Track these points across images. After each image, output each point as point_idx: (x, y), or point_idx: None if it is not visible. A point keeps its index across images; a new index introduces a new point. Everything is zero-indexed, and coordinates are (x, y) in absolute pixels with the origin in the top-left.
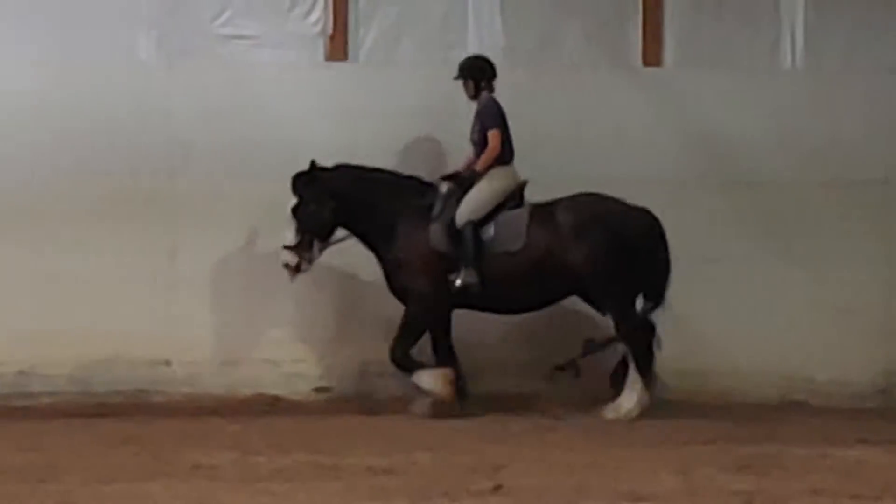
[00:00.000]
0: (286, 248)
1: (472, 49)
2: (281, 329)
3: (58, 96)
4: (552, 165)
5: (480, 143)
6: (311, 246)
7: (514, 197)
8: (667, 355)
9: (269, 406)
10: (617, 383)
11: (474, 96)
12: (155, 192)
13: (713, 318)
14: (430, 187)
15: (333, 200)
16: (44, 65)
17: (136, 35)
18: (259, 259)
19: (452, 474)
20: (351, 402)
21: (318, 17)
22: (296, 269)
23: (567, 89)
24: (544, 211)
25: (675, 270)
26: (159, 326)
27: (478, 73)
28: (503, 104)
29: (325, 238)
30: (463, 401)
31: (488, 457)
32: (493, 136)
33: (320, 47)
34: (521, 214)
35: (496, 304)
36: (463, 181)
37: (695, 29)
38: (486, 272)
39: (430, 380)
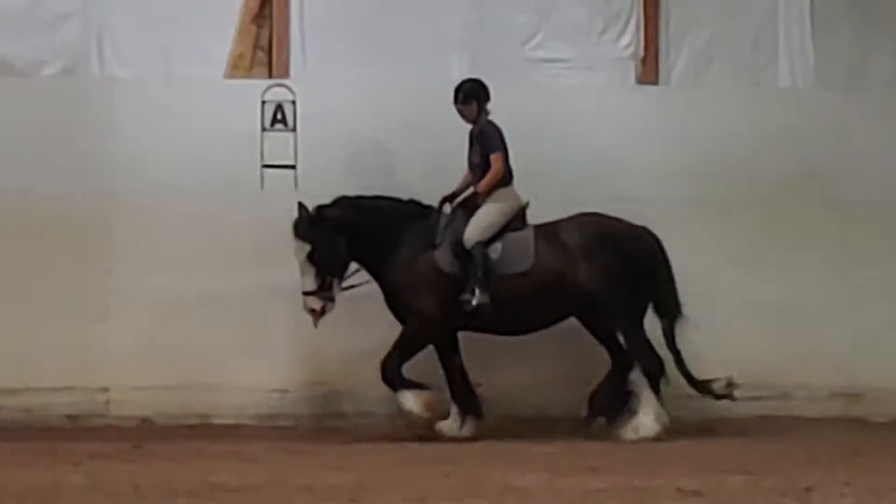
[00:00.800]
0: (307, 294)
1: (784, 72)
2: None
3: (376, 116)
4: (867, 188)
5: (482, 166)
6: (331, 286)
7: (518, 218)
8: None
9: (578, 428)
10: (598, 404)
11: (475, 119)
12: None
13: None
14: (430, 210)
15: (343, 236)
16: (360, 85)
17: (448, 57)
18: None
19: (762, 497)
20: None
21: (630, 41)
22: (322, 313)
23: (882, 113)
24: (549, 231)
25: None
26: None
27: (481, 95)
28: (813, 127)
29: (342, 275)
30: (477, 420)
31: (798, 480)
32: (496, 159)
33: (631, 70)
34: (527, 235)
35: (501, 325)
36: (466, 203)
37: None
38: (494, 293)
39: (413, 400)
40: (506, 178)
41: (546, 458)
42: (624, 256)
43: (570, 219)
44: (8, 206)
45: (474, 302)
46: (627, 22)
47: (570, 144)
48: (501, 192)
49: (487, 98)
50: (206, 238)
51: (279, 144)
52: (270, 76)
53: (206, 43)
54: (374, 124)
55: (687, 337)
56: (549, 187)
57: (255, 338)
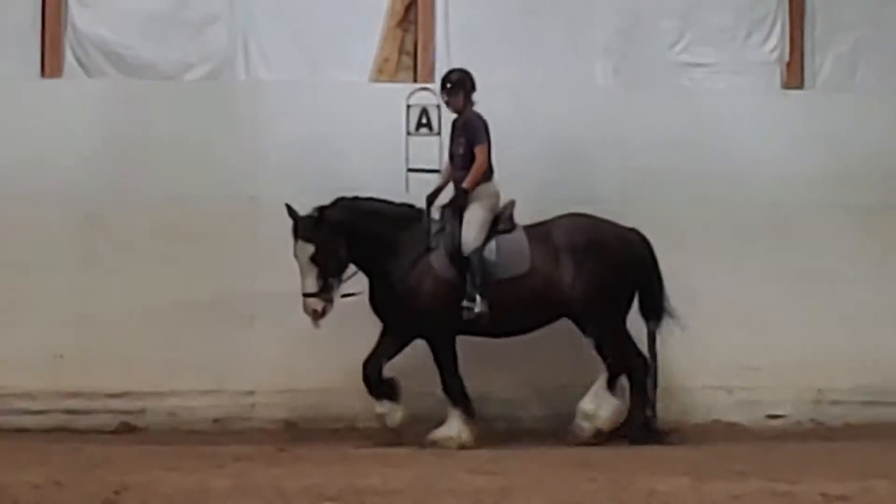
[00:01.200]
0: (309, 295)
1: None
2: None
3: (520, 120)
4: None
5: (465, 157)
6: (331, 288)
7: (507, 219)
8: None
9: (724, 432)
10: None
11: (461, 110)
12: (605, 215)
13: None
14: (420, 212)
15: (343, 237)
16: (504, 90)
17: (593, 61)
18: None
19: None
20: (805, 429)
21: (775, 45)
22: (322, 314)
23: None
24: (541, 234)
25: None
26: None
27: (468, 85)
28: None
29: (341, 276)
30: (474, 425)
31: None
32: (481, 151)
33: (777, 74)
34: (520, 238)
35: (496, 328)
36: (454, 203)
37: None
38: (492, 298)
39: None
40: (488, 173)
41: (689, 462)
42: (612, 259)
43: (559, 220)
44: (154, 210)
45: (476, 310)
46: (773, 26)
47: (714, 148)
48: (484, 187)
49: (474, 89)
50: None
51: (424, 148)
52: (415, 80)
53: (352, 47)
54: (519, 128)
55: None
56: (691, 190)
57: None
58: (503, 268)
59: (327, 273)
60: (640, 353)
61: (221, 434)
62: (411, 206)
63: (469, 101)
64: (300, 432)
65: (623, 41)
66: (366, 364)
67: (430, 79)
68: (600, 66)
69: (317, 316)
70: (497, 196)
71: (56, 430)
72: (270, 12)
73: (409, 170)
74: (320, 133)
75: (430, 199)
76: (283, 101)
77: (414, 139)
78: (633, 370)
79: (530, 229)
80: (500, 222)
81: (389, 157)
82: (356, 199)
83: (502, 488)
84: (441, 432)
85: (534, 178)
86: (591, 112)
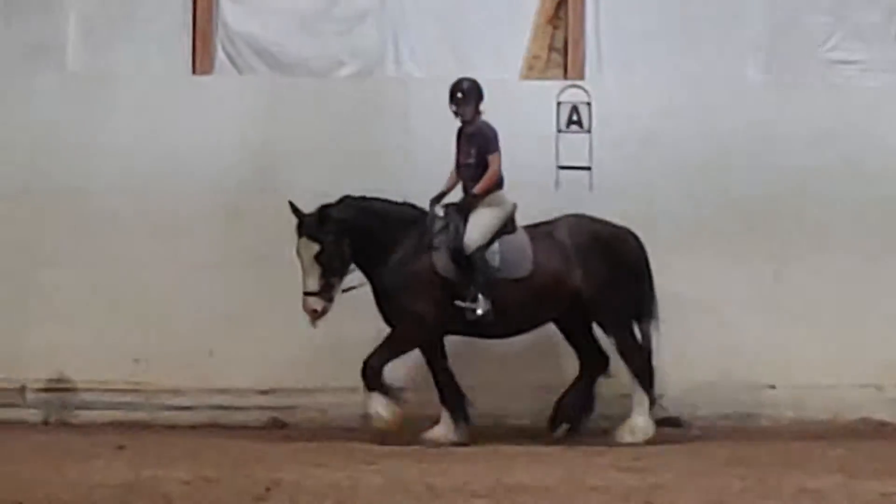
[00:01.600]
0: (310, 294)
1: None
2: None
3: (671, 117)
4: None
5: (476, 167)
6: (332, 287)
7: (510, 221)
8: None
9: (875, 431)
10: (564, 410)
11: (471, 119)
12: (756, 213)
13: None
14: (423, 213)
15: (347, 236)
16: (655, 87)
17: (744, 58)
18: None
19: None
20: None
21: None
22: (322, 314)
23: None
24: (542, 235)
25: None
26: (763, 350)
27: (478, 95)
28: None
29: (344, 275)
30: (467, 425)
31: None
32: (494, 159)
33: None
34: (522, 239)
35: (495, 329)
36: (460, 206)
37: None
38: (494, 299)
39: (381, 408)
40: (500, 182)
41: (839, 459)
42: (616, 259)
43: (558, 221)
44: (303, 206)
45: (480, 311)
46: None
47: (864, 146)
48: (497, 195)
49: (482, 98)
50: None
51: (574, 145)
52: (565, 77)
53: (501, 44)
54: (670, 125)
55: None
56: (841, 187)
57: (534, 339)
58: (506, 269)
59: (330, 272)
60: (643, 351)
61: (371, 431)
62: (414, 207)
63: (478, 111)
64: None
65: (773, 37)
66: (366, 363)
67: (581, 76)
68: (751, 62)
69: (316, 315)
70: (509, 205)
71: (205, 426)
72: (420, 9)
73: (560, 167)
74: None
75: (434, 202)
76: (432, 98)
77: (564, 136)
78: (641, 367)
79: (531, 231)
80: (505, 225)
81: (539, 155)
82: (362, 198)
83: (652, 486)
84: (435, 431)
85: (682, 174)
86: (741, 109)
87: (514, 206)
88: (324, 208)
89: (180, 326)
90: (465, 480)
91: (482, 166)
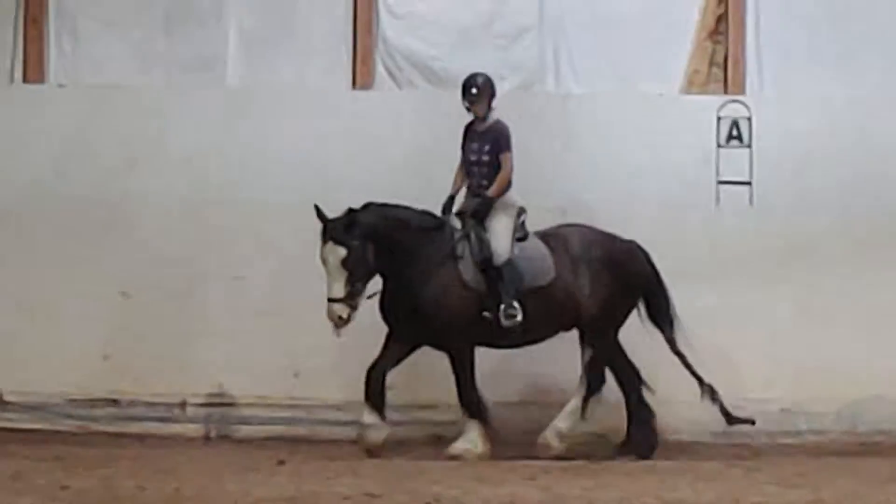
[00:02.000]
0: (335, 300)
1: None
2: None
3: (832, 133)
4: None
5: (489, 164)
6: (358, 294)
7: (520, 227)
8: None
9: None
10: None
11: (484, 115)
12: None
13: None
14: (443, 222)
15: (372, 242)
16: (816, 102)
17: None
18: None
19: None
20: None
21: None
22: (346, 321)
23: None
24: (556, 242)
25: None
26: None
27: (492, 91)
28: None
29: (368, 282)
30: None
31: None
32: (507, 159)
33: None
34: (539, 246)
35: (514, 339)
36: (476, 213)
37: None
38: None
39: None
40: (511, 181)
41: None
42: (625, 278)
43: (565, 231)
44: None
45: (518, 318)
46: None
47: None
48: (507, 197)
49: (494, 94)
50: (661, 252)
51: (734, 160)
52: (726, 92)
53: (661, 58)
54: (829, 141)
55: None
56: None
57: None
58: (530, 277)
59: (356, 278)
60: (633, 367)
61: (527, 446)
62: (433, 215)
63: (490, 107)
64: (607, 443)
65: None
66: (370, 370)
67: (741, 91)
68: None
69: (341, 323)
70: (518, 205)
71: None
72: (580, 24)
73: (720, 182)
74: (631, 144)
75: (447, 207)
76: (593, 113)
77: (724, 151)
78: (632, 384)
79: (544, 238)
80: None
81: (700, 169)
82: (385, 205)
83: (810, 502)
84: (459, 445)
85: (841, 189)
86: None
87: (523, 209)
88: (351, 212)
89: (341, 341)
90: (625, 496)
91: (495, 165)
